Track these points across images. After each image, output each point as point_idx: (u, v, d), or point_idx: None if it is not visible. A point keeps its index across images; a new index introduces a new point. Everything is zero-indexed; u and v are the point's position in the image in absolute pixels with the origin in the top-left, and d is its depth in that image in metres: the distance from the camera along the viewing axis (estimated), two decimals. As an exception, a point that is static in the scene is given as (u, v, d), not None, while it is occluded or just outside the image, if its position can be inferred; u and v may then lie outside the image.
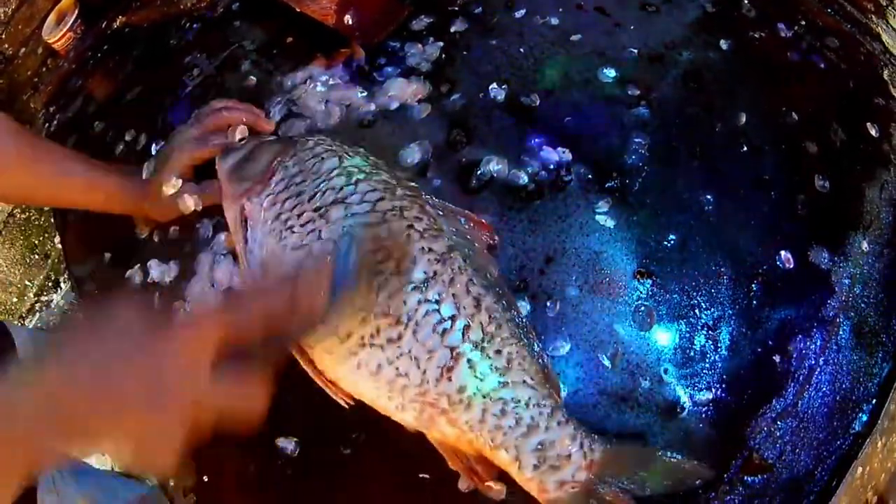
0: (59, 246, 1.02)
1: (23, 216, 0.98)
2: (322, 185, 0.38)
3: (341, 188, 0.38)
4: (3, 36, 0.81)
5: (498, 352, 0.34)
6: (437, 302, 0.35)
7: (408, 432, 0.37)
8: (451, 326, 0.34)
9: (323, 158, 0.40)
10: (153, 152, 0.58)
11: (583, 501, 0.33)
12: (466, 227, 0.39)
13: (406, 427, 0.36)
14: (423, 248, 0.36)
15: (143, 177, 0.52)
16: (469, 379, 0.34)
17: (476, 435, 0.34)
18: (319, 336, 0.35)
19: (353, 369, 0.35)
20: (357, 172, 0.39)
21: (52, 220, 1.00)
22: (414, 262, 0.35)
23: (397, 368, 0.34)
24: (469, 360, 0.34)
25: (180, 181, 0.51)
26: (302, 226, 0.37)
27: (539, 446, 0.33)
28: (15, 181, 0.49)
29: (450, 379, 0.34)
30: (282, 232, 0.38)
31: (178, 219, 0.53)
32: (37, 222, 0.99)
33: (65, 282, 1.03)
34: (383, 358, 0.34)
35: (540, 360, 0.36)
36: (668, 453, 0.34)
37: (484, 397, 0.34)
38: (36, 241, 0.99)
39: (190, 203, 0.50)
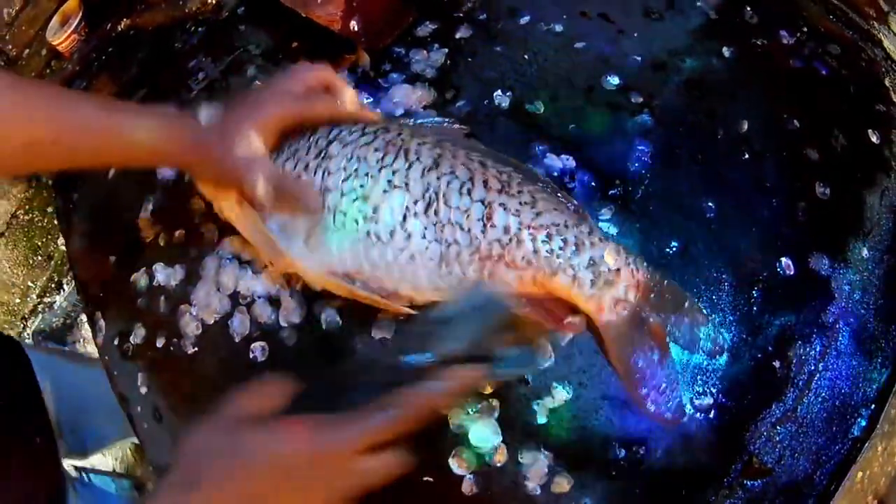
0: (63, 248, 1.04)
1: (26, 217, 0.99)
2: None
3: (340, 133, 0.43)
4: (8, 37, 0.82)
5: (520, 192, 0.39)
6: (452, 172, 0.39)
7: (412, 435, 0.38)
8: (473, 185, 0.39)
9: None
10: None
11: (632, 324, 0.37)
12: (444, 127, 0.45)
13: None
14: (419, 142, 0.41)
15: (202, 122, 0.42)
16: (508, 217, 0.38)
17: (536, 268, 0.37)
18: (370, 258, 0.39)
19: (409, 262, 0.39)
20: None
21: (56, 222, 1.02)
22: (417, 154, 0.40)
23: (446, 240, 0.38)
24: (501, 204, 0.38)
25: (262, 145, 0.41)
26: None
27: (591, 262, 0.37)
28: (18, 138, 0.39)
29: (493, 225, 0.38)
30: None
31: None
32: (40, 224, 1.00)
33: (67, 283, 1.05)
34: (430, 237, 0.38)
35: (560, 194, 0.40)
36: (699, 307, 0.38)
37: (528, 228, 0.38)
38: (39, 243, 1.00)
39: (260, 189, 0.41)
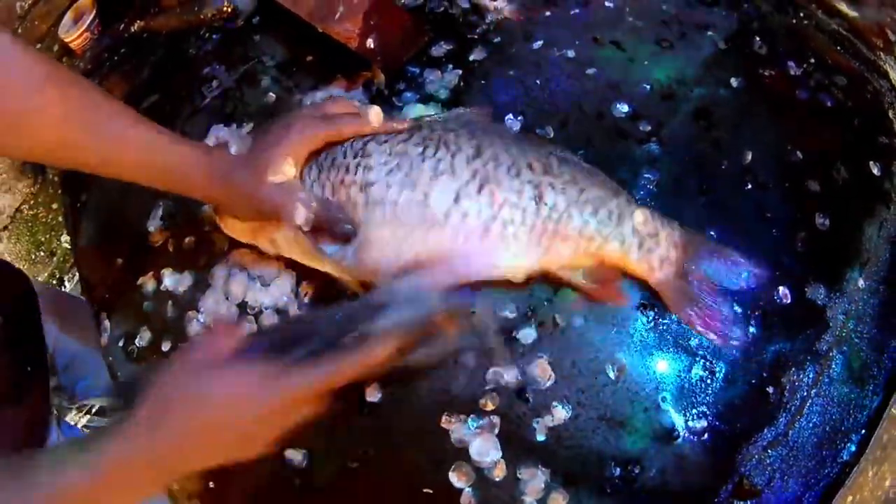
0: (66, 245, 1.06)
1: (30, 212, 1.01)
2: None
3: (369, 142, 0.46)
4: (20, 31, 0.85)
5: (562, 171, 0.43)
6: (496, 158, 0.43)
7: (416, 446, 0.42)
8: (519, 168, 0.43)
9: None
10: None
11: (680, 277, 0.42)
12: (470, 114, 0.48)
13: (534, 275, 0.43)
14: (456, 134, 0.44)
15: (232, 150, 0.44)
16: (557, 195, 0.42)
17: (588, 238, 0.42)
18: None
19: (467, 246, 0.42)
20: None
21: (60, 219, 1.04)
22: (458, 144, 0.44)
23: (502, 222, 0.42)
24: (549, 183, 0.43)
25: (294, 171, 0.43)
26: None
27: (634, 229, 0.42)
28: (46, 137, 0.41)
29: (545, 203, 0.42)
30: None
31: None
32: (44, 219, 1.03)
33: (69, 280, 1.07)
34: (487, 220, 0.42)
35: (591, 169, 0.44)
36: (732, 250, 0.43)
37: (575, 205, 0.42)
38: (42, 239, 1.03)
39: (300, 215, 0.43)
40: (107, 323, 0.60)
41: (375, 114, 0.45)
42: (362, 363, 0.36)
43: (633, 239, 0.42)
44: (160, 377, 0.36)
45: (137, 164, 0.43)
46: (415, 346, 0.38)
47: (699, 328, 0.42)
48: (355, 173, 0.44)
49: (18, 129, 0.41)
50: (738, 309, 0.43)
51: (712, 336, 0.42)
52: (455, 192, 0.43)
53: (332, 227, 0.44)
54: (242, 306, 0.52)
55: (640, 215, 0.43)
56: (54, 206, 1.02)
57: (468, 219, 0.42)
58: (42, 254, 1.05)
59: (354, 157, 0.44)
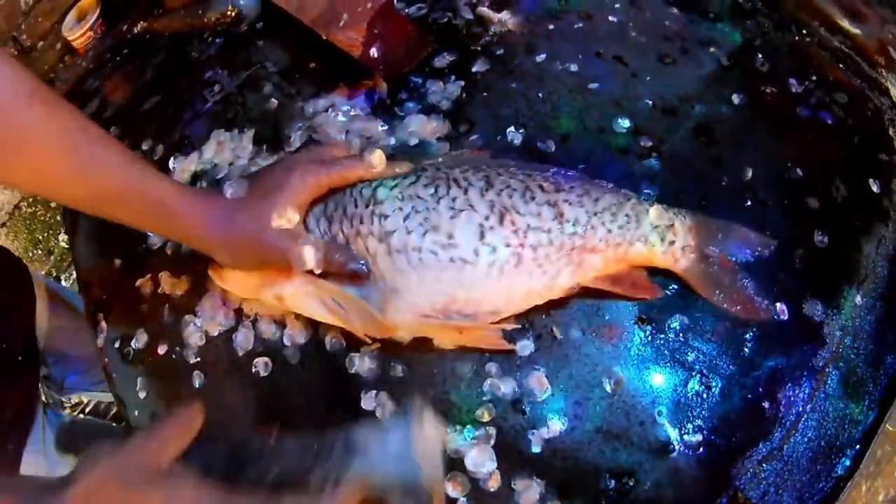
0: (63, 244, 1.07)
1: (29, 210, 1.02)
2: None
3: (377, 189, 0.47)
4: (23, 26, 0.86)
5: (572, 187, 0.45)
6: (508, 186, 0.45)
7: None
8: (534, 189, 0.45)
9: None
10: (171, 166, 0.61)
11: (704, 261, 0.45)
12: (469, 155, 0.50)
13: (570, 292, 0.45)
14: (461, 171, 0.46)
15: (227, 194, 0.42)
16: (576, 210, 0.44)
17: (614, 245, 0.44)
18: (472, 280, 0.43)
19: (500, 275, 0.43)
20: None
21: (59, 218, 1.05)
22: (467, 180, 0.45)
23: (531, 247, 0.44)
24: (565, 200, 0.45)
25: (297, 216, 0.42)
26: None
27: (653, 225, 0.45)
28: (29, 157, 0.39)
29: (567, 220, 0.44)
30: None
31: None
32: (42, 218, 1.04)
33: (66, 279, 1.08)
34: (516, 248, 0.43)
35: (596, 181, 0.47)
36: (743, 228, 0.46)
37: (595, 215, 0.44)
38: (40, 237, 1.03)
39: (310, 258, 0.42)
40: (103, 324, 0.60)
41: (378, 157, 0.45)
42: None
43: (654, 236, 0.45)
44: (95, 468, 0.33)
45: (121, 193, 0.41)
46: None
47: (731, 309, 0.45)
48: (371, 223, 0.44)
49: (2, 148, 0.39)
50: (756, 284, 0.45)
51: (744, 314, 0.45)
52: (479, 227, 0.44)
53: (345, 265, 0.43)
54: (239, 312, 0.53)
55: (654, 212, 0.45)
56: (53, 204, 1.03)
57: (498, 251, 0.43)
58: (39, 252, 1.06)
59: (367, 206, 0.45)
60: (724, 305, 0.45)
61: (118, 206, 0.42)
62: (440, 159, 0.49)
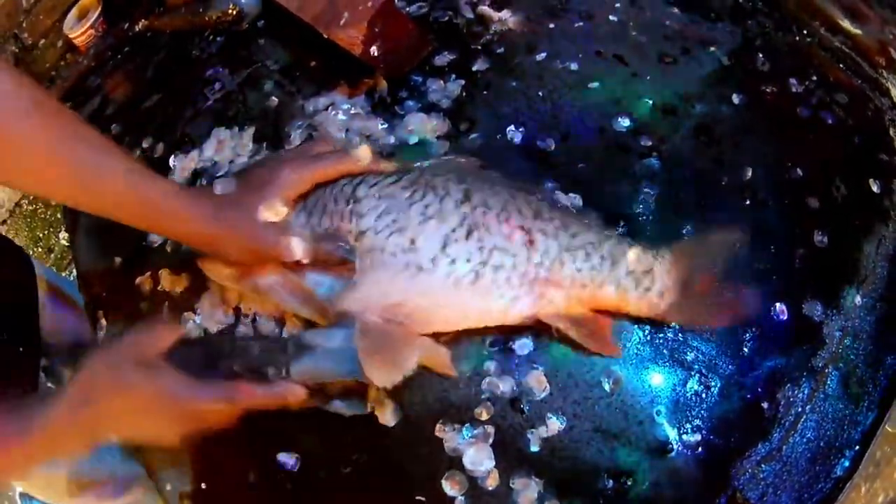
0: (63, 242, 1.07)
1: (30, 208, 1.03)
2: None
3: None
4: (24, 24, 0.86)
5: (552, 217, 0.44)
6: (485, 203, 0.44)
7: (410, 453, 0.43)
8: (509, 212, 0.43)
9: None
10: (171, 164, 0.62)
11: (684, 297, 0.43)
12: (459, 162, 0.48)
13: (526, 321, 0.44)
14: (444, 179, 0.45)
15: (217, 191, 0.44)
16: (548, 241, 0.43)
17: (580, 285, 0.42)
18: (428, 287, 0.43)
19: (455, 289, 0.42)
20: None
21: (60, 216, 1.05)
22: (445, 189, 0.44)
23: (493, 267, 0.42)
24: (539, 229, 0.43)
25: (285, 209, 0.43)
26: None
27: (629, 270, 0.43)
28: (28, 165, 0.41)
29: (536, 249, 0.43)
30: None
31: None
32: (43, 216, 1.04)
33: (66, 277, 1.08)
34: (476, 265, 0.42)
35: (579, 215, 0.46)
36: (716, 234, 0.45)
37: (567, 251, 0.43)
38: (41, 235, 1.04)
39: (297, 249, 0.43)
40: (103, 321, 0.60)
41: (364, 151, 0.46)
42: (271, 399, 0.41)
43: (628, 281, 0.43)
44: (95, 359, 0.42)
45: (119, 197, 0.43)
46: (330, 396, 0.42)
47: (722, 325, 0.44)
48: (349, 220, 0.44)
49: (1, 156, 0.40)
50: (741, 287, 0.45)
51: (733, 323, 0.44)
52: (443, 238, 0.43)
53: (332, 253, 0.44)
54: (238, 309, 0.53)
55: (632, 254, 0.43)
56: (54, 202, 1.03)
57: (457, 264, 0.43)
58: (40, 249, 1.06)
59: (347, 204, 0.45)
60: (709, 325, 0.44)
61: (116, 209, 0.44)
62: (426, 164, 0.48)
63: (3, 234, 1.03)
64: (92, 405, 0.41)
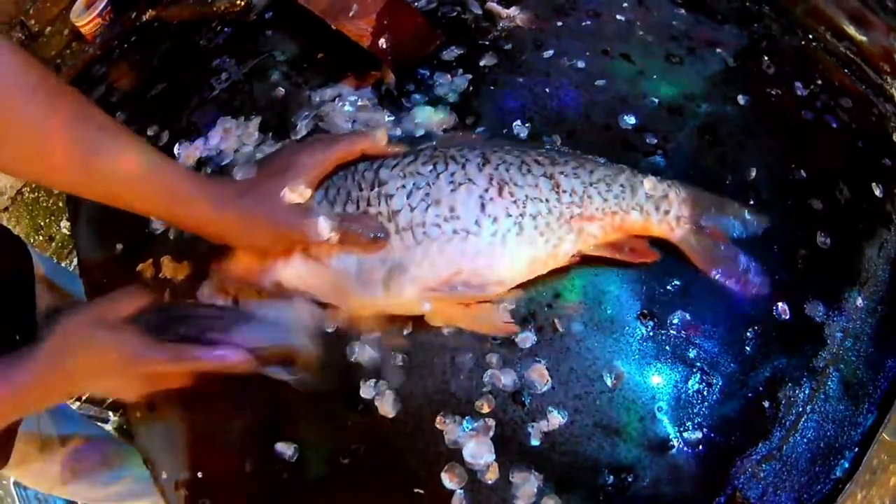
0: (64, 231, 1.07)
1: (31, 195, 1.02)
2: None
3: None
4: (31, 11, 0.86)
5: (566, 161, 0.47)
6: (504, 161, 0.46)
7: (409, 445, 0.43)
8: (530, 163, 0.46)
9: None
10: (175, 152, 0.61)
11: (698, 232, 0.46)
12: (466, 136, 0.51)
13: (573, 261, 0.46)
14: (458, 149, 0.48)
15: (237, 177, 0.44)
16: (571, 181, 0.46)
17: (611, 213, 0.46)
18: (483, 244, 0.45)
19: (503, 244, 0.45)
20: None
21: (62, 204, 1.05)
22: (464, 157, 0.47)
23: (531, 216, 0.45)
24: (559, 172, 0.46)
25: (308, 191, 0.43)
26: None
27: (647, 195, 0.46)
28: (36, 147, 0.39)
29: (564, 191, 0.45)
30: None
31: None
32: (45, 204, 1.04)
33: (66, 266, 1.08)
34: (517, 217, 0.45)
35: (589, 156, 0.49)
36: (734, 203, 0.47)
37: (591, 185, 0.46)
38: (42, 223, 1.03)
39: (325, 228, 0.43)
40: (102, 309, 0.60)
41: (382, 133, 0.47)
42: (213, 362, 0.44)
43: (649, 205, 0.46)
44: (69, 318, 0.44)
45: (133, 182, 0.41)
46: (268, 363, 0.45)
47: (725, 282, 0.46)
48: (378, 204, 0.46)
49: (2, 136, 0.39)
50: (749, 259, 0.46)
51: (739, 287, 0.46)
52: (478, 200, 0.45)
53: (363, 232, 0.44)
54: (237, 298, 0.52)
55: (648, 182, 0.47)
56: (56, 191, 1.03)
57: (500, 221, 0.45)
58: (41, 238, 1.06)
59: (372, 188, 0.46)
60: (718, 277, 0.46)
61: (128, 193, 0.42)
62: (434, 142, 0.50)
63: (5, 221, 1.02)
64: (67, 358, 0.43)
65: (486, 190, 0.45)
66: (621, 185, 0.46)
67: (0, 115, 0.38)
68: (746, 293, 0.46)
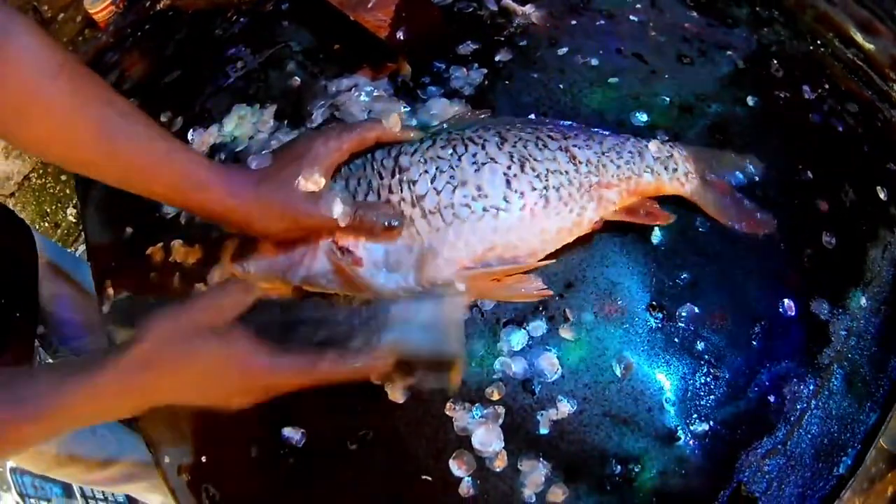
0: (71, 218, 1.07)
1: (39, 182, 1.02)
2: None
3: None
4: (45, -4, 0.86)
5: (576, 134, 0.49)
6: (520, 139, 0.48)
7: (418, 431, 0.44)
8: (544, 139, 0.48)
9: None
10: (189, 138, 0.62)
11: (706, 185, 0.49)
12: (474, 115, 0.53)
13: (595, 227, 0.48)
14: (473, 130, 0.49)
15: (252, 166, 0.44)
16: (585, 152, 0.48)
17: (626, 179, 0.48)
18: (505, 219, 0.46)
19: (532, 218, 0.46)
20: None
21: (68, 191, 1.05)
22: (481, 137, 0.48)
23: (555, 188, 0.47)
24: (573, 144, 0.48)
25: (323, 179, 0.43)
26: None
27: (654, 157, 0.49)
28: (55, 127, 0.40)
29: (580, 161, 0.48)
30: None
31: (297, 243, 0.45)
32: (52, 190, 1.04)
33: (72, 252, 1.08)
34: (542, 191, 0.46)
35: (592, 128, 0.51)
36: (730, 154, 0.50)
37: (604, 154, 0.48)
38: (48, 209, 1.03)
39: (338, 209, 0.43)
40: (110, 290, 0.60)
41: (396, 119, 0.48)
42: (358, 372, 0.40)
43: (658, 166, 0.49)
44: (162, 320, 0.39)
45: (150, 167, 0.42)
46: (414, 372, 0.42)
47: (737, 226, 0.49)
48: (401, 190, 0.46)
49: (24, 115, 0.39)
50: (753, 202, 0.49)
51: (748, 228, 0.49)
52: (503, 178, 0.46)
53: (378, 220, 0.44)
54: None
55: (653, 145, 0.49)
56: (63, 177, 1.02)
57: (527, 196, 0.46)
58: (47, 224, 1.05)
59: (393, 176, 0.47)
60: (730, 223, 0.49)
61: (145, 179, 0.43)
62: (445, 125, 0.52)
63: (11, 206, 1.02)
64: (153, 370, 0.39)
65: (509, 167, 0.47)
66: (629, 152, 0.49)
67: (25, 94, 0.39)
68: (758, 233, 0.49)
